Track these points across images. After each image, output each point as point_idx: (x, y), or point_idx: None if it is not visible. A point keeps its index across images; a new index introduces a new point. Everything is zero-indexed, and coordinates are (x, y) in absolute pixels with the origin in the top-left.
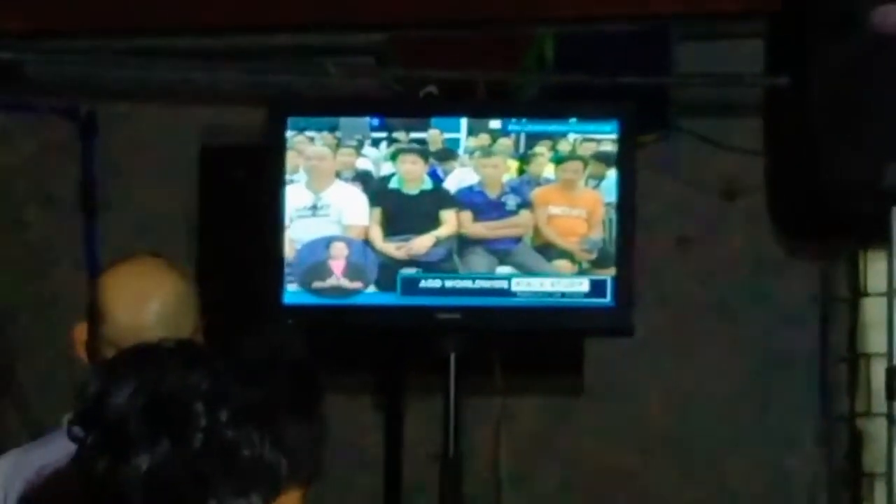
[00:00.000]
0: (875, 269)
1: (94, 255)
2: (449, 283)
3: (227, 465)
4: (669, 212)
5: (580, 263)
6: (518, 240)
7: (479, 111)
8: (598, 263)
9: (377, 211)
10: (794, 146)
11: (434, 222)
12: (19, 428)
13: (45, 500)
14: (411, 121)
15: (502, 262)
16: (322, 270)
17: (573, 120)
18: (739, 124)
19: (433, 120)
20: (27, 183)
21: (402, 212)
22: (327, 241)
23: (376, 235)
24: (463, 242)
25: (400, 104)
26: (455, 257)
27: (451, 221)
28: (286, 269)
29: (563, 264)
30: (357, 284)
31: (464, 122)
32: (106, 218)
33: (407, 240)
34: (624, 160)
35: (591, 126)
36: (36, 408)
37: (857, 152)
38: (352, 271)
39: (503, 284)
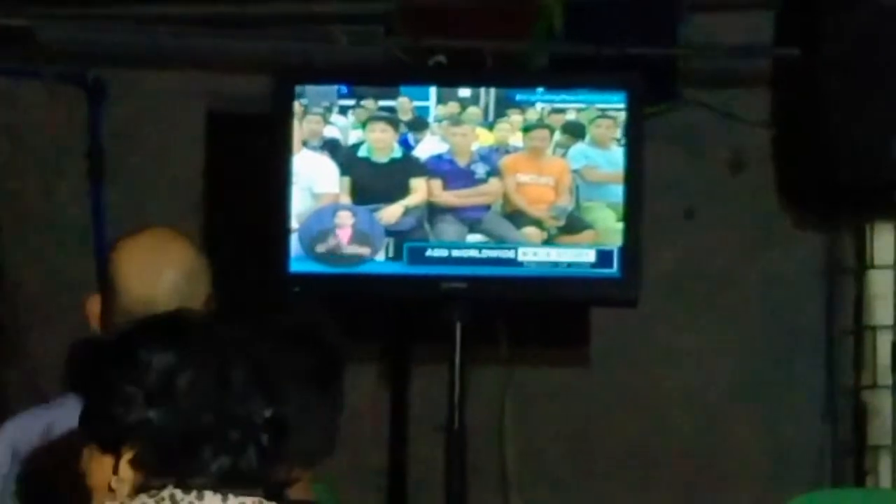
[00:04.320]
0: (882, 242)
1: (101, 222)
2: (455, 253)
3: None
4: (676, 183)
5: (548, 230)
6: (487, 207)
7: (489, 81)
8: (566, 230)
9: (346, 180)
10: (801, 118)
11: (404, 191)
12: (28, 400)
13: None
14: (380, 89)
15: (472, 230)
16: (328, 239)
17: (581, 90)
18: (748, 96)
19: (402, 88)
20: (35, 149)
21: (371, 180)
22: (333, 210)
23: (346, 204)
24: (433, 210)
25: (368, 72)
26: (426, 225)
27: (421, 190)
28: (292, 237)
29: (531, 231)
30: (363, 252)
31: (433, 90)
32: (113, 185)
33: (377, 209)
34: (632, 131)
35: (599, 97)
36: (45, 379)
37: (865, 125)
38: (358, 239)
39: (510, 254)
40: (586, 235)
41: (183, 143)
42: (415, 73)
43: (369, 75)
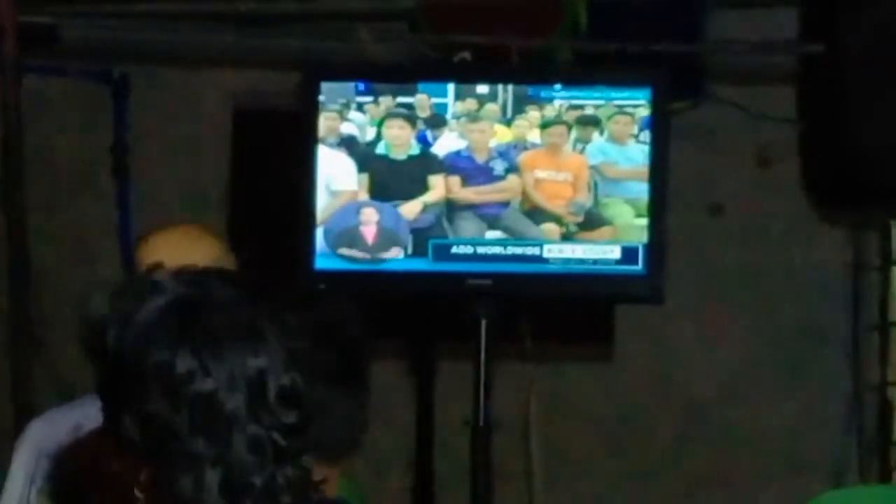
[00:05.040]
0: None
1: (127, 219)
2: (480, 249)
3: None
4: (702, 179)
5: (567, 226)
6: (506, 204)
7: (507, 77)
8: (584, 226)
9: (365, 177)
10: (827, 114)
11: (422, 188)
12: (50, 393)
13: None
14: (398, 86)
15: (491, 227)
16: (353, 236)
17: (602, 87)
18: (773, 92)
19: (420, 85)
20: (60, 146)
21: (390, 177)
22: (358, 207)
23: (352, 202)
24: (452, 207)
25: (387, 69)
26: (445, 222)
27: (439, 187)
28: (318, 234)
29: (550, 228)
30: (388, 249)
31: (451, 87)
32: (139, 181)
33: (396, 206)
34: (657, 127)
35: (624, 93)
36: (67, 373)
37: (890, 121)
38: (383, 236)
39: (535, 251)
40: (605, 231)
41: (208, 139)
42: (433, 70)
43: (388, 72)
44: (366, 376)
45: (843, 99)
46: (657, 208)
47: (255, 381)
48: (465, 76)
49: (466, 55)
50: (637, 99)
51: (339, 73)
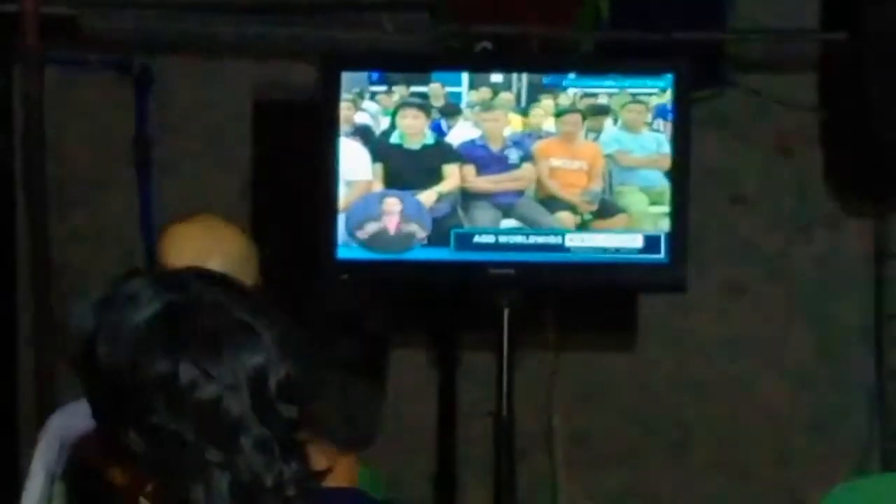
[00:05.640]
0: None
1: (149, 210)
2: (503, 239)
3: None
4: (724, 168)
5: (582, 215)
6: (521, 193)
7: (521, 66)
8: (599, 214)
9: (379, 166)
10: (849, 102)
11: (437, 177)
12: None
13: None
14: (412, 75)
15: (506, 216)
16: (376, 225)
17: (624, 76)
18: (795, 80)
19: (434, 74)
20: (82, 138)
21: (404, 167)
22: (381, 196)
23: (373, 191)
24: (466, 196)
25: (402, 58)
26: (460, 211)
27: (454, 176)
28: (340, 224)
29: (565, 216)
30: (411, 239)
31: (465, 76)
32: (160, 173)
33: (411, 195)
34: (678, 116)
35: (645, 82)
36: None
37: None
38: (405, 226)
39: (557, 240)
40: (620, 220)
41: (230, 130)
42: (447, 59)
43: (403, 61)
44: (384, 367)
45: (866, 87)
46: (679, 197)
47: (255, 379)
48: (479, 65)
49: (487, 45)
50: (658, 88)
51: (360, 63)
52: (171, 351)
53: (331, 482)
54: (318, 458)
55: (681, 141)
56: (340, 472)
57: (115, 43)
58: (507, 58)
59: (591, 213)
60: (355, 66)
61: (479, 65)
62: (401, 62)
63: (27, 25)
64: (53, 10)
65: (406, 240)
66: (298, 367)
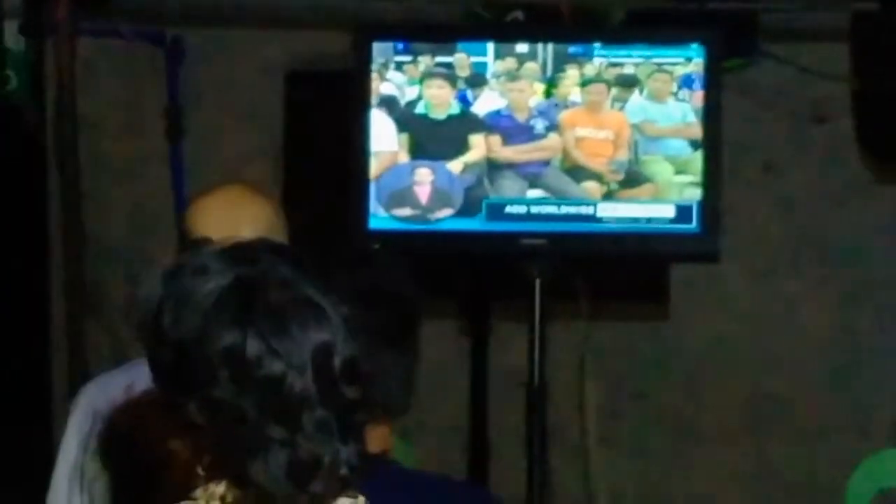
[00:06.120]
0: None
1: (180, 182)
2: (534, 209)
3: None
4: (756, 137)
5: (608, 184)
6: (547, 163)
7: (556, 37)
8: (625, 184)
9: (404, 136)
10: (881, 71)
11: (463, 147)
12: (109, 353)
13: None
14: (437, 45)
15: (532, 186)
16: (407, 196)
17: (655, 46)
18: (827, 49)
19: (460, 44)
20: (115, 109)
21: (430, 137)
22: (412, 167)
23: (404, 161)
24: (493, 167)
25: (427, 28)
26: (486, 181)
27: (480, 146)
28: (371, 195)
29: (591, 186)
30: (443, 209)
31: (490, 46)
32: (192, 144)
33: (443, 166)
34: (710, 85)
35: (670, 52)
36: (125, 333)
37: None
38: (437, 196)
39: (589, 210)
40: (646, 189)
41: (261, 100)
42: (472, 29)
43: (428, 32)
44: (416, 335)
45: None
46: (711, 167)
47: (320, 358)
48: (505, 35)
49: (519, 15)
50: (683, 57)
51: (392, 33)
52: (239, 325)
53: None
54: (376, 439)
55: (712, 111)
56: (379, 436)
57: (147, 14)
58: (532, 27)
59: (618, 182)
60: (387, 35)
61: (505, 35)
62: (426, 32)
63: None
64: None
65: (438, 210)
66: (363, 348)
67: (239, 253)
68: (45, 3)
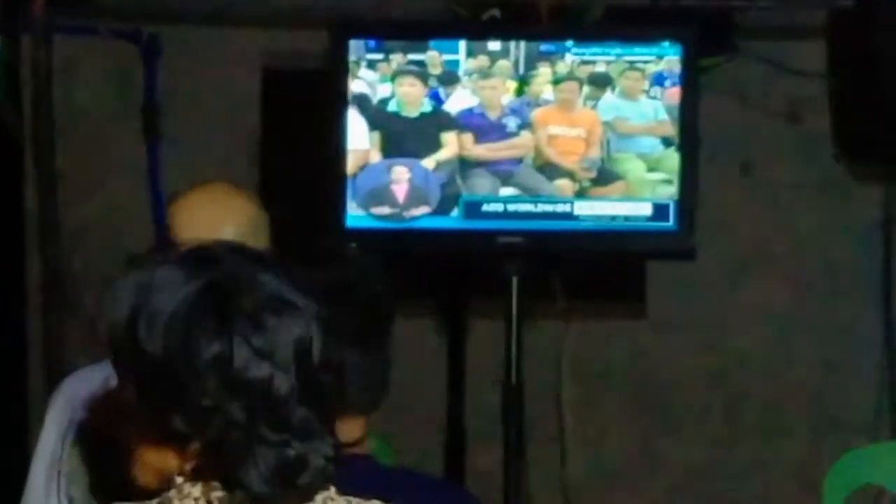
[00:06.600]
0: None
1: (157, 180)
2: (511, 207)
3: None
4: (733, 136)
5: (580, 182)
6: (519, 161)
7: (534, 34)
8: (597, 182)
9: (376, 134)
10: (858, 69)
11: (435, 145)
12: (87, 355)
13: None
14: (408, 43)
15: (505, 184)
16: (385, 194)
17: (625, 44)
18: (803, 47)
19: (431, 42)
20: (90, 107)
21: (401, 135)
22: (388, 165)
23: (376, 160)
24: (465, 164)
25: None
26: (458, 179)
27: (452, 144)
28: (348, 193)
29: (563, 184)
30: (419, 207)
31: (462, 43)
32: (169, 142)
33: (420, 164)
34: (687, 83)
35: (654, 49)
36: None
37: None
38: (414, 194)
39: (566, 208)
40: (618, 187)
41: (238, 99)
42: (444, 27)
43: (400, 29)
44: (386, 332)
45: (874, 53)
46: (689, 165)
47: (301, 352)
48: (477, 33)
49: (496, 12)
50: (654, 55)
51: (368, 31)
52: (220, 332)
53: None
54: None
55: (689, 109)
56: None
57: (123, 12)
58: (504, 25)
59: (590, 180)
60: (363, 33)
61: (477, 32)
62: (398, 30)
63: None
64: None
65: (414, 208)
66: (331, 343)
67: (199, 257)
68: (22, 2)
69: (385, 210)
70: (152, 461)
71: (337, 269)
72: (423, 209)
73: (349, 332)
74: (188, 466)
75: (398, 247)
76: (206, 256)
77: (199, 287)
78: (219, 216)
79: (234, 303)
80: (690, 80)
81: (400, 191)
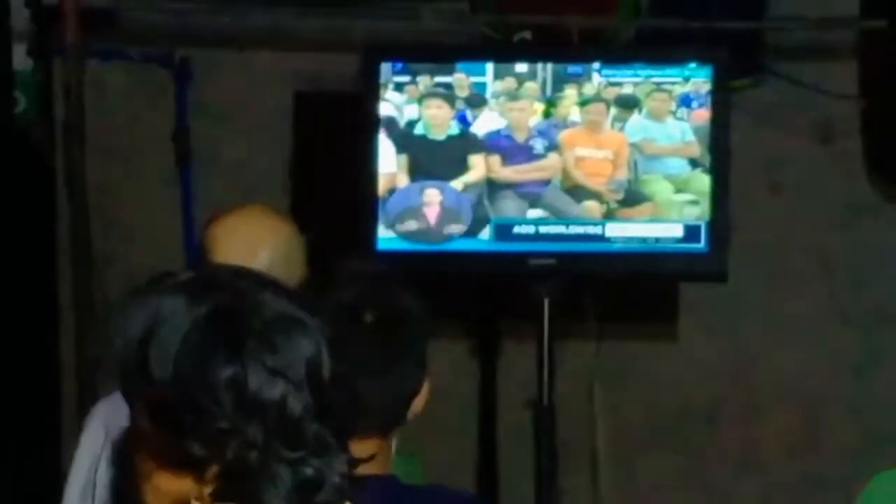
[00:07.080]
0: None
1: (190, 204)
2: (543, 229)
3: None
4: (763, 157)
5: (608, 204)
6: (547, 182)
7: (561, 56)
8: (625, 203)
9: (403, 157)
10: (889, 90)
11: (462, 168)
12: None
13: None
14: (436, 65)
15: (532, 206)
16: (416, 216)
17: (653, 66)
18: (835, 68)
19: (458, 64)
20: (122, 131)
21: (429, 158)
22: (420, 188)
23: (404, 183)
24: (493, 187)
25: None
26: (486, 202)
27: (479, 166)
28: (380, 215)
29: (591, 206)
30: (451, 230)
31: (490, 66)
32: (201, 166)
33: (451, 186)
34: (717, 105)
35: (681, 71)
36: None
37: None
38: (446, 217)
39: (597, 230)
40: (645, 208)
41: (270, 122)
42: (471, 50)
43: (427, 52)
44: (411, 356)
45: None
46: (720, 187)
47: (312, 369)
48: (504, 55)
49: (527, 35)
50: (682, 77)
51: (399, 54)
52: (233, 354)
53: (364, 469)
54: (363, 451)
55: (720, 130)
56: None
57: (155, 36)
58: (531, 47)
59: (618, 201)
60: (395, 57)
61: (504, 54)
62: (425, 53)
63: (67, 18)
64: (94, 2)
65: (446, 228)
66: (340, 351)
67: (202, 283)
68: (54, 24)
69: (417, 232)
70: (169, 488)
71: (350, 290)
72: (456, 229)
73: (360, 352)
74: (206, 491)
75: (430, 269)
76: (208, 281)
77: (206, 312)
78: (256, 239)
79: (244, 324)
80: (721, 101)
81: (431, 213)
